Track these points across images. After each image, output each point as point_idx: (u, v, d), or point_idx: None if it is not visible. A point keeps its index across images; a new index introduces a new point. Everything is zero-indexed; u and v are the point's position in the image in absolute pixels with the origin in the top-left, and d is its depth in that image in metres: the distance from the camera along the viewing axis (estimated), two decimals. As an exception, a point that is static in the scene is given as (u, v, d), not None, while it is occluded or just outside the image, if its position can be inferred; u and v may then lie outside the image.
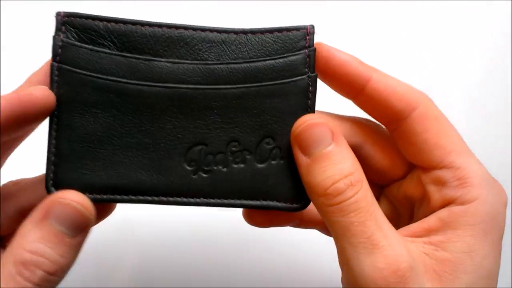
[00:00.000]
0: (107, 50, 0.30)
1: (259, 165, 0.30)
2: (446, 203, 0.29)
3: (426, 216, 0.30)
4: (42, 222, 0.26)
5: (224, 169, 0.30)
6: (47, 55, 0.30)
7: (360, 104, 0.32)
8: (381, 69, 0.31)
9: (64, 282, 0.27)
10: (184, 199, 0.30)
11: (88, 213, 0.27)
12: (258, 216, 0.35)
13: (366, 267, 0.26)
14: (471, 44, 0.56)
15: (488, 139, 0.53)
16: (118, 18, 0.30)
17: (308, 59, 0.31)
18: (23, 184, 0.33)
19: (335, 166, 0.28)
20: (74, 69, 0.29)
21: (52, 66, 0.29)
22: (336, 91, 0.32)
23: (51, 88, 0.29)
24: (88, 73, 0.29)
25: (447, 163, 0.29)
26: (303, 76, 0.30)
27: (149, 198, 0.30)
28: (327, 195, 0.27)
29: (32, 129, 0.30)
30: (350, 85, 0.31)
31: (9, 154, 0.32)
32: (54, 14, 0.30)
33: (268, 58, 0.30)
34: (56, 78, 0.29)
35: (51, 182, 0.29)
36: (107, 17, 0.30)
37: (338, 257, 0.28)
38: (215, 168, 0.30)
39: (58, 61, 0.29)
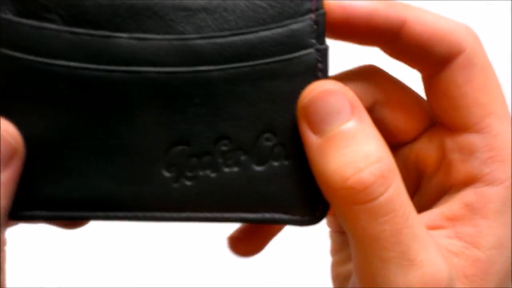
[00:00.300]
0: (53, 26, 0.23)
1: (258, 168, 0.24)
2: (471, 180, 0.24)
3: (438, 192, 0.26)
4: None
5: (213, 174, 0.24)
6: None
7: (391, 53, 0.25)
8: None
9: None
10: (165, 214, 0.24)
11: (14, 141, 0.22)
12: (248, 243, 0.29)
13: (398, 286, 0.21)
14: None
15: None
16: None
17: (316, 27, 0.23)
18: None
19: (358, 149, 0.22)
20: (11, 53, 0.23)
21: None
22: (362, 45, 0.25)
23: None
24: (30, 57, 0.23)
25: (483, 126, 0.24)
26: (310, 50, 0.23)
27: (120, 214, 0.24)
28: (348, 189, 0.21)
29: None
30: (380, 37, 0.24)
31: None
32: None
33: (262, 28, 0.23)
34: None
35: None
36: None
37: (357, 268, 0.23)
38: (201, 173, 0.24)
39: None
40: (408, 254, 0.21)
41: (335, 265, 0.31)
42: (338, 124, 0.22)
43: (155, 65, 0.23)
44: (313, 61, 0.23)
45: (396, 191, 0.21)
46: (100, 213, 0.24)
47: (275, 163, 0.24)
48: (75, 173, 0.23)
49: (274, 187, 0.24)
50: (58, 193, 0.23)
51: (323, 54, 0.23)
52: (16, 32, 0.23)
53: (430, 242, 0.22)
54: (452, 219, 0.24)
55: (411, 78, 0.27)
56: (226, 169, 0.24)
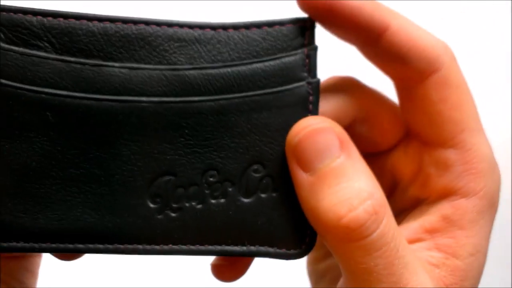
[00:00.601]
0: (42, 54, 0.23)
1: (245, 200, 0.23)
2: (447, 193, 0.25)
3: (413, 202, 0.26)
4: None
5: (199, 206, 0.23)
6: None
7: (368, 55, 0.25)
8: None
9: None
10: (147, 247, 0.23)
11: None
12: (231, 269, 0.28)
13: None
14: (471, 44, 0.54)
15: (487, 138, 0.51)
16: (57, 11, 0.23)
17: (307, 60, 0.23)
18: None
19: (350, 185, 0.22)
20: None
21: None
22: (340, 39, 0.25)
23: None
24: (18, 84, 0.22)
25: (457, 141, 0.25)
26: (302, 83, 0.23)
27: (101, 246, 0.23)
28: (343, 227, 0.21)
29: None
30: (361, 36, 0.24)
31: None
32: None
33: (255, 60, 0.23)
34: None
35: None
36: (43, 10, 0.23)
37: None
38: (187, 205, 0.23)
39: None
40: (400, 283, 0.22)
41: (311, 263, 0.31)
42: (329, 161, 0.22)
43: (145, 94, 0.23)
44: (305, 93, 0.23)
45: (387, 225, 0.22)
46: (81, 246, 0.23)
47: (263, 195, 0.23)
48: (56, 203, 0.23)
49: (260, 220, 0.23)
50: (37, 224, 0.22)
51: (315, 87, 0.23)
52: (5, 59, 0.22)
53: (418, 265, 0.23)
54: (432, 232, 0.25)
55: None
56: (213, 201, 0.23)
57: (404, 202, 0.27)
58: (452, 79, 0.24)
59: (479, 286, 0.25)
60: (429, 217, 0.25)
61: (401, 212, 0.27)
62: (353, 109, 0.26)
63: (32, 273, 0.29)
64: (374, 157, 0.28)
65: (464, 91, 0.25)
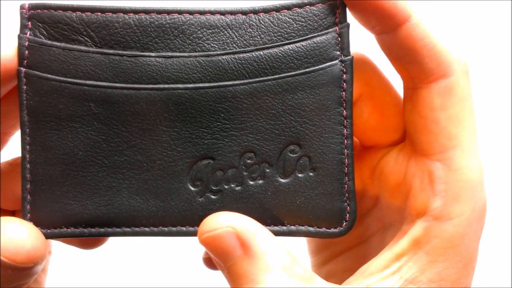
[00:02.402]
0: (83, 48, 0.24)
1: (283, 180, 0.23)
2: (423, 212, 0.24)
3: (395, 217, 0.26)
4: None
5: (238, 188, 0.24)
6: None
7: (384, 45, 0.24)
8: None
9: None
10: (191, 229, 0.24)
11: (20, 262, 0.22)
12: None
13: None
14: (471, 44, 0.54)
15: (487, 139, 0.51)
16: (94, 6, 0.24)
17: (339, 39, 0.23)
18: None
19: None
20: (44, 75, 0.24)
21: (18, 72, 0.24)
22: (360, 23, 0.24)
23: (20, 100, 0.24)
24: (62, 78, 0.24)
25: (445, 157, 0.23)
26: (335, 61, 0.23)
27: (147, 229, 0.24)
28: None
29: None
30: (381, 22, 0.23)
31: None
32: (18, 8, 0.24)
33: (286, 41, 0.23)
34: (24, 87, 0.24)
35: (28, 215, 0.24)
36: (81, 5, 0.24)
37: None
38: (226, 187, 0.24)
39: (26, 65, 0.24)
40: None
41: (315, 266, 0.31)
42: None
43: (181, 82, 0.23)
44: (338, 72, 0.23)
45: None
46: (128, 229, 0.24)
47: (301, 175, 0.23)
48: (103, 189, 0.24)
49: (299, 199, 0.23)
50: (86, 210, 0.24)
51: (348, 65, 0.23)
52: (49, 54, 0.24)
53: None
54: (399, 256, 0.24)
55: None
56: (251, 182, 0.24)
57: (389, 216, 0.26)
58: (458, 90, 0.23)
59: (479, 286, 0.24)
60: (402, 241, 0.24)
61: (389, 227, 0.26)
62: (361, 83, 0.25)
63: (44, 270, 0.31)
64: (370, 152, 0.27)
65: (467, 107, 0.24)
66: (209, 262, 0.29)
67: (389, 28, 0.23)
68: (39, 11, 0.24)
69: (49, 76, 0.24)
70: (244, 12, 0.24)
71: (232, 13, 0.24)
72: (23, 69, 0.24)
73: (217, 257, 0.22)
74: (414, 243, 0.23)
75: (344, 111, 0.23)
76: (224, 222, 0.22)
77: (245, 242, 0.22)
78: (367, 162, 0.27)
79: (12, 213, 0.31)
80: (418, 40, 0.23)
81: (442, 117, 0.23)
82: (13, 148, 0.30)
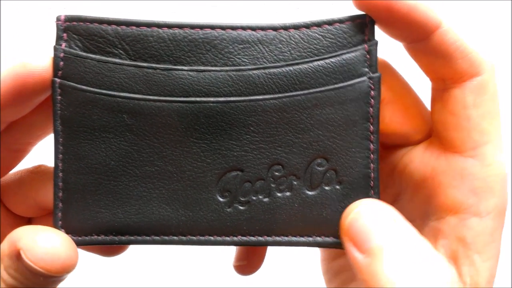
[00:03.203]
0: (117, 60, 0.24)
1: (310, 192, 0.24)
2: (457, 208, 0.24)
3: (419, 213, 0.26)
4: (13, 257, 0.23)
5: (266, 199, 0.24)
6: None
7: (414, 52, 0.25)
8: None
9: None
10: (218, 238, 0.24)
11: (56, 273, 0.23)
12: (252, 265, 0.30)
13: None
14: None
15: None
16: (129, 20, 0.24)
17: (368, 56, 0.24)
18: (46, 175, 0.30)
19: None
20: (79, 86, 0.24)
21: (53, 82, 0.24)
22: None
23: (54, 110, 0.24)
24: (96, 89, 0.24)
25: (478, 153, 0.24)
26: (363, 78, 0.24)
27: (176, 238, 0.24)
28: None
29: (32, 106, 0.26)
30: (413, 33, 0.24)
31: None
32: (54, 19, 0.25)
33: (316, 58, 0.24)
34: (58, 97, 0.24)
35: (60, 222, 0.24)
36: (117, 19, 0.24)
37: None
38: (254, 198, 0.24)
39: (60, 76, 0.24)
40: None
41: (325, 261, 0.31)
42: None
43: (213, 95, 0.24)
44: (366, 88, 0.24)
45: None
46: (157, 238, 0.24)
47: (327, 188, 0.24)
48: (134, 199, 0.24)
49: (326, 211, 0.24)
50: (117, 218, 0.24)
51: (376, 81, 0.24)
52: (83, 66, 0.24)
53: None
54: (454, 259, 0.24)
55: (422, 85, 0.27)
56: (279, 194, 0.24)
57: (410, 212, 0.26)
58: (490, 88, 0.24)
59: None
60: (448, 242, 0.24)
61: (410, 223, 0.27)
62: (382, 87, 0.25)
63: None
64: (390, 151, 0.28)
65: (497, 105, 0.24)
66: (241, 269, 0.30)
67: (421, 37, 0.24)
68: (75, 23, 0.24)
69: (84, 87, 0.24)
70: (274, 28, 0.24)
71: (263, 28, 0.24)
72: (57, 80, 0.24)
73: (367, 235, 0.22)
74: (461, 242, 0.24)
75: (371, 126, 0.24)
76: (372, 204, 0.23)
77: (395, 219, 0.23)
78: (386, 161, 0.28)
79: (28, 221, 0.31)
80: (451, 44, 0.24)
81: (474, 114, 0.24)
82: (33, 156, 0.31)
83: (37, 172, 0.30)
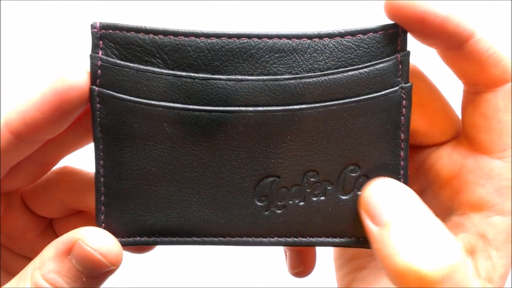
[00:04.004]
0: (156, 69, 0.25)
1: (343, 197, 0.26)
2: (481, 206, 0.26)
3: (442, 208, 0.27)
4: (63, 256, 0.24)
5: (301, 203, 0.26)
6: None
7: (448, 59, 0.26)
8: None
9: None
10: (256, 239, 0.26)
11: (111, 262, 0.24)
12: (306, 268, 0.31)
13: None
14: None
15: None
16: (167, 29, 0.24)
17: (400, 66, 0.25)
18: (73, 176, 0.31)
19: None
20: (118, 95, 0.25)
21: (91, 91, 0.25)
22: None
23: (93, 117, 0.25)
24: (136, 99, 0.25)
25: (507, 155, 0.25)
26: (395, 88, 0.25)
27: (215, 239, 0.26)
28: (416, 274, 0.22)
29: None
30: (446, 42, 0.25)
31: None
32: (90, 26, 0.25)
33: (350, 68, 0.25)
34: (98, 105, 0.25)
35: (103, 224, 0.26)
36: (154, 28, 0.24)
37: None
38: (290, 202, 0.26)
39: (99, 84, 0.25)
40: None
41: (340, 277, 0.33)
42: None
43: (251, 104, 0.25)
44: (399, 99, 0.25)
45: (463, 279, 0.22)
46: (197, 239, 0.26)
47: (359, 193, 0.25)
48: (174, 202, 0.25)
49: (358, 215, 0.25)
50: (159, 221, 0.25)
51: (407, 92, 0.25)
52: (121, 75, 0.25)
53: None
54: (472, 252, 0.25)
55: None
56: (314, 198, 0.25)
57: (433, 207, 0.27)
58: None
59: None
60: (469, 236, 0.26)
61: None
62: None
63: None
64: (416, 150, 0.29)
65: None
66: (299, 274, 0.32)
67: (454, 46, 0.25)
68: (111, 31, 0.24)
69: (123, 96, 0.25)
70: (309, 37, 0.25)
71: (298, 37, 0.25)
72: (96, 88, 0.25)
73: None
74: (482, 237, 0.25)
75: (402, 135, 0.25)
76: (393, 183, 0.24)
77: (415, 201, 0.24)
78: (413, 159, 0.29)
79: (49, 222, 0.32)
80: (483, 52, 0.25)
81: (505, 118, 0.25)
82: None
83: (63, 174, 0.31)
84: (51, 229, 0.32)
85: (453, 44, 0.25)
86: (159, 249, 0.34)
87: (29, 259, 0.32)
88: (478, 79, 0.25)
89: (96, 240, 0.24)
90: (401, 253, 0.22)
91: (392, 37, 0.25)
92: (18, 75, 0.46)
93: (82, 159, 0.32)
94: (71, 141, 0.29)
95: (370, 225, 0.24)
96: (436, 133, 0.28)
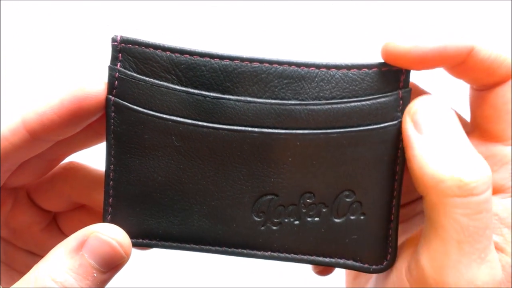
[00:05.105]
0: (170, 85, 0.26)
1: (336, 220, 0.27)
2: (497, 190, 0.27)
3: None
4: (75, 252, 0.25)
5: (296, 222, 0.27)
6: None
7: (456, 73, 0.28)
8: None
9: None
10: (250, 252, 0.27)
11: (125, 253, 0.26)
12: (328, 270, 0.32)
13: (463, 280, 0.24)
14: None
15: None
16: (184, 48, 0.26)
17: (401, 102, 0.26)
18: (79, 172, 0.33)
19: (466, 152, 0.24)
20: (132, 106, 0.26)
21: (107, 100, 0.26)
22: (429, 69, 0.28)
23: (107, 125, 0.26)
24: (148, 111, 0.26)
25: None
26: (395, 122, 0.26)
27: (212, 248, 0.27)
28: (456, 181, 0.23)
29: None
30: (450, 63, 0.27)
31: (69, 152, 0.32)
32: (111, 39, 0.26)
33: (354, 99, 0.26)
34: (112, 114, 0.26)
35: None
36: (171, 46, 0.26)
37: (423, 255, 0.25)
38: (286, 220, 0.27)
39: (115, 94, 0.26)
40: (482, 252, 0.24)
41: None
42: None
43: (257, 126, 0.26)
44: (397, 132, 0.26)
45: (490, 195, 0.24)
46: (196, 246, 0.27)
47: (352, 217, 0.27)
48: (177, 210, 0.27)
49: (348, 238, 0.27)
50: (161, 226, 0.27)
51: None
52: (137, 88, 0.26)
53: (494, 247, 0.25)
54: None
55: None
56: (308, 219, 0.27)
57: None
58: None
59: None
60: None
61: None
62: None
63: None
64: None
65: None
66: (322, 273, 0.33)
67: (457, 63, 0.26)
68: (130, 46, 0.26)
69: (137, 108, 0.26)
70: (317, 66, 0.26)
71: (307, 66, 0.26)
72: (112, 98, 0.26)
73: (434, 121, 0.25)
74: (495, 217, 0.26)
75: (397, 167, 0.26)
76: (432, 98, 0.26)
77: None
78: None
79: (53, 217, 0.34)
80: (485, 60, 0.26)
81: None
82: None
83: (70, 169, 0.33)
84: (55, 223, 0.34)
85: (455, 62, 0.26)
86: (159, 250, 0.36)
87: (32, 253, 0.33)
88: (487, 82, 0.27)
89: (111, 231, 0.26)
90: (439, 162, 0.24)
91: (395, 74, 0.26)
92: (18, 75, 0.47)
93: (84, 155, 0.34)
94: (80, 142, 0.30)
95: (411, 132, 0.25)
96: None
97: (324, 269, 0.34)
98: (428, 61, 0.25)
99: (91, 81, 0.26)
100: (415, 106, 0.26)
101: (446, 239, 0.24)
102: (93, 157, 0.33)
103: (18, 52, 0.48)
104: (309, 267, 0.35)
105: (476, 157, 0.25)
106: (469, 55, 0.26)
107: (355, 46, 0.46)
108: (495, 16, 0.55)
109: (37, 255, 0.33)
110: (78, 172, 0.32)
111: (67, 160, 0.33)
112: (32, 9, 0.48)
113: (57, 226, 0.34)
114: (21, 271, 0.32)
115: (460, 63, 0.26)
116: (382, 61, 0.26)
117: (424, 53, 0.25)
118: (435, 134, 0.25)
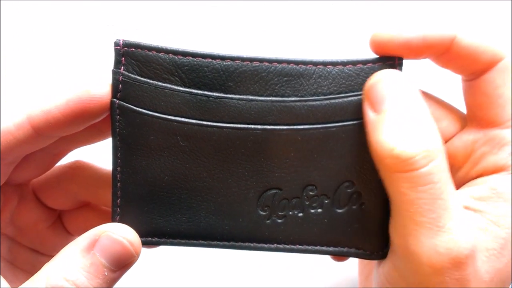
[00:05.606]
0: (173, 87, 0.27)
1: (338, 210, 0.28)
2: (498, 169, 0.28)
3: (462, 180, 0.29)
4: (87, 251, 0.26)
5: (300, 214, 0.28)
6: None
7: (442, 63, 0.29)
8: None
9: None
10: (257, 245, 0.28)
11: (135, 251, 0.27)
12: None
13: (424, 248, 0.25)
14: None
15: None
16: (186, 50, 0.26)
17: None
18: (86, 171, 0.33)
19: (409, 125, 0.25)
20: (137, 109, 0.27)
21: (112, 103, 0.27)
22: (416, 59, 0.29)
23: (112, 127, 0.27)
24: (153, 113, 0.27)
25: None
26: None
27: (220, 243, 0.28)
28: (395, 157, 0.24)
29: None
30: (435, 51, 0.28)
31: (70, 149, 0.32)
32: (113, 44, 0.27)
33: (350, 93, 0.27)
34: (117, 117, 0.27)
35: None
36: (174, 49, 0.26)
37: (393, 230, 0.27)
38: (290, 213, 0.28)
39: (119, 98, 0.27)
40: (438, 221, 0.24)
41: (361, 262, 0.35)
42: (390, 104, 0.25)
43: (259, 123, 0.27)
44: None
45: (437, 167, 0.24)
46: (204, 242, 0.28)
47: (354, 207, 0.28)
48: (184, 208, 0.28)
49: (351, 227, 0.28)
50: (169, 225, 0.28)
51: None
52: (141, 90, 0.27)
53: (461, 216, 0.25)
54: (479, 199, 0.27)
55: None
56: (312, 211, 0.28)
57: (454, 182, 0.29)
58: None
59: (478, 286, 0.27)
60: (479, 188, 0.28)
61: None
62: None
63: None
64: None
65: None
66: (339, 259, 0.34)
67: (442, 51, 0.27)
68: (133, 49, 0.26)
69: (141, 110, 0.27)
70: (315, 64, 0.27)
71: (305, 63, 0.27)
72: (116, 101, 0.27)
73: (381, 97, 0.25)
74: (492, 191, 0.27)
75: None
76: (393, 72, 0.26)
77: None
78: None
79: (58, 215, 0.34)
80: (468, 47, 0.27)
81: (506, 91, 0.28)
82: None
83: (76, 168, 0.33)
84: (60, 222, 0.34)
85: (440, 52, 0.27)
86: (161, 250, 0.36)
87: (37, 252, 0.34)
88: (474, 69, 0.28)
89: (122, 230, 0.26)
90: (383, 138, 0.25)
91: (389, 68, 0.27)
92: (18, 75, 0.47)
93: (89, 153, 0.34)
94: (84, 138, 0.31)
95: (368, 112, 0.26)
96: (450, 129, 0.30)
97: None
98: (412, 48, 0.27)
99: (96, 84, 0.26)
100: (369, 84, 0.26)
101: (400, 212, 0.25)
102: (99, 155, 0.33)
103: (18, 52, 0.48)
104: (310, 267, 0.36)
105: (422, 130, 0.25)
106: (452, 43, 0.27)
107: (352, 44, 0.47)
108: (495, 16, 0.55)
109: (41, 253, 0.34)
110: (84, 171, 0.33)
111: (72, 156, 0.33)
112: (32, 9, 0.48)
113: (62, 225, 0.34)
114: (25, 269, 0.33)
115: (445, 52, 0.27)
116: (376, 56, 0.27)
117: (407, 40, 0.27)
118: (383, 110, 0.25)
